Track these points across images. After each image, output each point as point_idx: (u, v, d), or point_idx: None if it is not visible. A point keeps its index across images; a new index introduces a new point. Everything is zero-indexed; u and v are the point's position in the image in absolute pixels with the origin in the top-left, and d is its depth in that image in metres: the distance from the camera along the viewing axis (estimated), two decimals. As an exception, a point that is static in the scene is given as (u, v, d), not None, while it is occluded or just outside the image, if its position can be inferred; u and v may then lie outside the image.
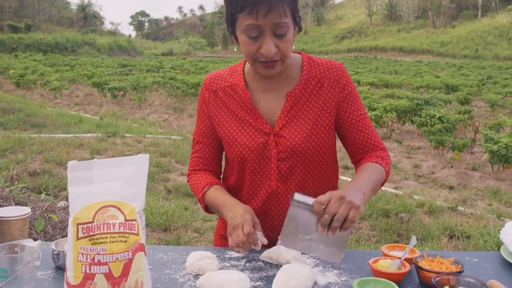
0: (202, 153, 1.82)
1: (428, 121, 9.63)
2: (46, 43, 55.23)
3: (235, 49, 1.66)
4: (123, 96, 16.83)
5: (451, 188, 6.91)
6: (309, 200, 1.41)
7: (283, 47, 1.55)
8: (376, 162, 1.68)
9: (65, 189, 5.83)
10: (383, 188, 6.58)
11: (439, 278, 1.36)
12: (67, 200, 4.99)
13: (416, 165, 8.12)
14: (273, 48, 1.53)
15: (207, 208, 1.77)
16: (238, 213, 1.56)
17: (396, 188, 6.79)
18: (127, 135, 10.05)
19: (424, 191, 6.61)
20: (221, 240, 1.90)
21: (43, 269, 1.53)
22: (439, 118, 9.49)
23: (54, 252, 1.53)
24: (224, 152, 1.83)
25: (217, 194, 1.70)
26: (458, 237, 4.97)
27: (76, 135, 9.76)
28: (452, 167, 7.93)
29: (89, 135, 9.87)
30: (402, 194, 6.37)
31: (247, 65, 1.75)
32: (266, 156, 1.68)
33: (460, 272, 1.44)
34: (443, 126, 8.97)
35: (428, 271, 1.42)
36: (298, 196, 1.41)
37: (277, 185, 1.70)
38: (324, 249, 1.43)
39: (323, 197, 1.39)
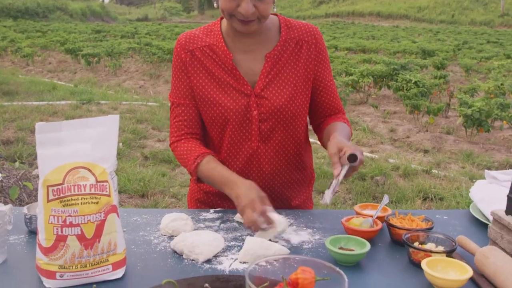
0: (186, 116, 1.72)
1: (404, 85, 9.68)
2: (15, 9, 53.40)
3: (215, 5, 1.63)
4: (97, 62, 16.46)
5: (425, 151, 7.02)
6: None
7: (262, 8, 1.55)
8: (344, 122, 1.76)
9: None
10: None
11: (409, 235, 1.39)
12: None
13: (392, 129, 8.21)
14: (251, 8, 1.53)
15: (199, 180, 1.70)
16: (246, 190, 1.50)
17: (372, 152, 6.88)
18: (103, 102, 9.90)
19: (399, 154, 6.70)
20: (197, 204, 1.90)
21: (16, 233, 1.52)
22: (415, 82, 9.55)
23: (27, 217, 1.51)
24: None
25: (213, 168, 1.62)
26: (431, 198, 5.09)
27: (50, 102, 9.58)
28: (427, 131, 8.04)
29: (63, 102, 9.70)
30: (377, 157, 6.46)
31: (224, 25, 1.72)
32: (247, 117, 1.68)
33: (430, 229, 1.48)
34: (418, 91, 9.04)
35: (399, 228, 1.45)
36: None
37: (257, 145, 1.71)
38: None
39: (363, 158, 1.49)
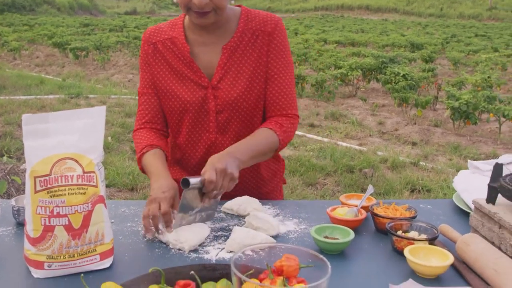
0: (148, 105, 1.77)
1: (393, 78, 9.74)
2: (2, 2, 52.74)
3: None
4: (85, 56, 16.37)
5: (413, 144, 7.08)
6: (198, 180, 1.42)
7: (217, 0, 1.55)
8: (271, 129, 1.67)
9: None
10: (348, 144, 6.71)
11: (393, 224, 1.42)
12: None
13: (380, 122, 8.26)
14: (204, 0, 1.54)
15: (143, 170, 1.70)
16: (161, 186, 1.49)
17: (360, 144, 6.92)
18: (91, 96, 9.86)
19: (387, 147, 6.75)
20: None
21: (4, 225, 1.52)
22: (403, 75, 9.60)
23: (14, 209, 1.52)
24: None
25: (152, 160, 1.63)
26: (419, 190, 5.14)
27: (38, 96, 9.53)
28: (415, 123, 8.10)
29: (51, 96, 9.64)
30: (366, 150, 6.50)
31: (187, 19, 1.74)
32: (205, 109, 1.70)
33: (413, 217, 1.50)
34: (407, 84, 9.09)
35: (383, 217, 1.48)
36: (192, 180, 1.42)
37: (215, 137, 1.73)
38: (204, 215, 1.51)
39: (211, 175, 1.41)
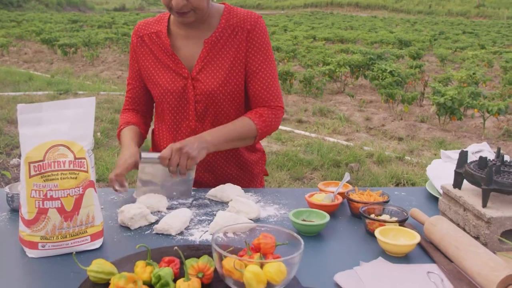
0: (131, 94, 1.97)
1: (380, 75, 9.86)
2: (-11, -2, 52.25)
3: None
4: (74, 53, 16.34)
5: (400, 139, 7.20)
6: (155, 155, 1.66)
7: (194, 1, 1.67)
8: (250, 118, 1.80)
9: (18, 147, 5.78)
10: (335, 140, 6.82)
11: (366, 208, 1.51)
12: (19, 157, 4.96)
13: (367, 118, 8.37)
14: (181, 1, 1.66)
15: None
16: (124, 155, 1.71)
17: (347, 140, 7.03)
18: (80, 92, 9.88)
19: (374, 142, 6.86)
20: None
21: (-2, 212, 1.60)
22: (390, 72, 9.73)
23: (8, 195, 1.60)
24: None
25: (124, 135, 1.84)
26: (404, 184, 5.25)
27: (27, 93, 9.53)
28: (401, 119, 8.22)
29: (40, 93, 9.64)
30: (353, 145, 6.61)
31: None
32: (185, 98, 1.82)
33: (386, 202, 1.60)
34: (393, 80, 9.22)
35: (357, 202, 1.57)
36: (144, 155, 1.69)
37: (195, 124, 1.84)
38: (177, 192, 1.73)
39: (165, 153, 1.63)
